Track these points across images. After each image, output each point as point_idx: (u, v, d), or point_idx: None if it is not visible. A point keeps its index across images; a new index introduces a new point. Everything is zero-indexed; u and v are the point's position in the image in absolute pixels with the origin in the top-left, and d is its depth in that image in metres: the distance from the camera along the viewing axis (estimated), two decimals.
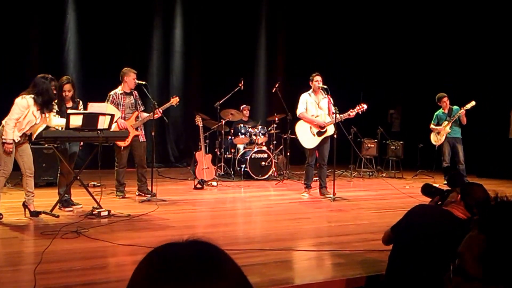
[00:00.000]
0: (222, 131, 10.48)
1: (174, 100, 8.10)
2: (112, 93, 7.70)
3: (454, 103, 10.08)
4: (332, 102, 8.14)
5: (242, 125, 10.79)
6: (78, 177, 6.40)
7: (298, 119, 8.32)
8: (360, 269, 4.03)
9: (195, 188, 8.91)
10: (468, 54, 11.98)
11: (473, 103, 9.69)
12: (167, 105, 8.00)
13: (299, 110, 8.24)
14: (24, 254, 4.36)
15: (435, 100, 10.17)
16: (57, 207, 6.27)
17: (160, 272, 0.81)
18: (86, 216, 6.00)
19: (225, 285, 0.80)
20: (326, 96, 8.21)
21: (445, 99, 10.06)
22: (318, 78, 8.12)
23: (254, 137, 10.65)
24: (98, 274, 3.83)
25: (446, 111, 10.08)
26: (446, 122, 9.99)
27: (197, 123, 9.95)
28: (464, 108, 9.74)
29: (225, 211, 7.22)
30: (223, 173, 10.58)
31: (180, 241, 0.88)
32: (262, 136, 10.73)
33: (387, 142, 12.09)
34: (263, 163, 10.37)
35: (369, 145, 11.89)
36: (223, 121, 10.42)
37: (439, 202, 3.42)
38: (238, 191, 9.06)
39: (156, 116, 7.66)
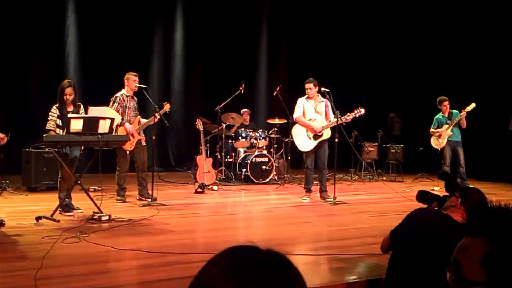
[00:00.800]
0: (223, 135, 10.49)
1: (166, 107, 8.09)
2: (118, 94, 7.72)
3: (454, 105, 10.06)
4: (330, 106, 8.15)
5: (242, 129, 10.80)
6: (79, 182, 6.41)
7: (295, 123, 8.34)
8: (361, 273, 4.03)
9: (196, 192, 8.92)
10: (467, 56, 11.98)
11: (473, 105, 9.68)
12: (161, 111, 7.93)
13: (296, 114, 8.26)
14: (24, 259, 4.36)
15: (436, 103, 10.17)
16: (58, 211, 6.27)
17: (242, 272, 0.83)
18: (87, 221, 6.00)
19: None
20: (324, 100, 8.22)
21: (446, 102, 10.05)
22: (308, 85, 8.12)
23: (254, 141, 10.66)
24: (99, 279, 3.83)
25: (446, 115, 10.07)
26: (446, 126, 9.98)
27: (197, 127, 9.95)
28: (465, 110, 9.73)
29: (225, 215, 7.23)
30: (223, 177, 10.59)
31: (257, 247, 0.91)
32: (263, 140, 10.74)
33: (388, 145, 12.10)
34: (263, 167, 10.38)
35: (369, 148, 11.90)
36: (224, 125, 10.43)
37: (436, 208, 3.43)
38: (238, 195, 9.07)
39: (154, 120, 7.67)
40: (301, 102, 8.25)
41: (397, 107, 13.83)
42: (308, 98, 8.19)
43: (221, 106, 10.21)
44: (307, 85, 8.13)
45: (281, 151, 11.18)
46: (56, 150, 6.41)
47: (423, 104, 12.07)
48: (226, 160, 10.73)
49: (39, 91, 10.87)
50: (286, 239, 5.43)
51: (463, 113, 9.74)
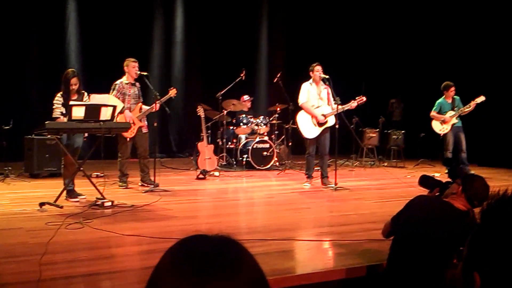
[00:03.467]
0: (224, 121, 10.51)
1: (172, 92, 8.08)
2: (118, 82, 7.73)
3: (456, 90, 10.05)
4: (332, 93, 8.15)
5: (244, 115, 10.82)
6: (81, 168, 6.44)
7: (299, 109, 8.34)
8: (361, 259, 4.07)
9: (198, 178, 8.96)
10: (468, 39, 11.93)
11: (482, 98, 9.57)
12: (166, 97, 7.97)
13: (301, 100, 8.24)
14: (28, 245, 4.39)
15: (441, 88, 10.10)
16: (62, 197, 6.31)
17: (183, 264, 0.87)
18: (90, 207, 6.05)
19: (240, 281, 0.85)
20: (326, 86, 8.21)
21: (453, 89, 9.95)
22: (319, 68, 8.12)
23: (256, 127, 10.68)
24: (103, 265, 3.88)
25: (450, 101, 10.04)
26: (452, 112, 9.93)
27: (198, 114, 9.97)
28: (474, 102, 9.68)
29: (227, 201, 7.27)
30: (225, 163, 10.62)
31: (206, 234, 0.94)
32: (264, 126, 10.75)
33: (389, 131, 12.10)
34: (265, 153, 10.41)
35: (370, 134, 11.91)
36: (225, 111, 10.43)
37: (437, 194, 3.45)
38: (240, 181, 9.10)
39: (155, 109, 7.69)
40: (305, 87, 8.22)
41: (398, 93, 13.79)
42: (314, 81, 8.16)
43: (222, 92, 10.22)
44: (317, 68, 8.09)
45: (282, 137, 11.20)
46: (59, 137, 6.44)
47: (423, 90, 12.06)
48: (227, 146, 10.76)
49: (40, 79, 10.89)
50: (287, 224, 5.47)
51: (473, 104, 9.69)
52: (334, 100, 7.99)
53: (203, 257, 0.86)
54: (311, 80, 8.20)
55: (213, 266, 0.85)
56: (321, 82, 8.21)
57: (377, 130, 12.13)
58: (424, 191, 3.66)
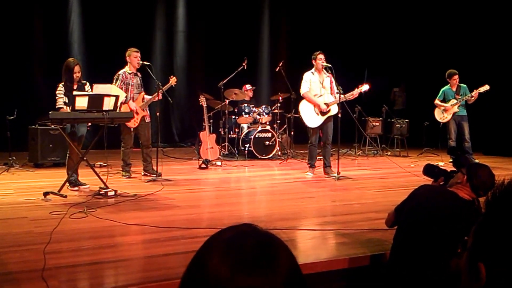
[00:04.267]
0: (226, 111, 10.50)
1: (172, 80, 8.10)
2: (121, 72, 7.73)
3: (460, 78, 10.03)
4: (335, 82, 8.12)
5: (246, 104, 10.80)
6: (85, 158, 6.46)
7: (302, 98, 8.32)
8: (364, 248, 4.08)
9: (200, 167, 8.97)
10: (471, 26, 11.89)
11: (486, 87, 9.56)
12: (167, 86, 8.00)
13: (303, 90, 8.22)
14: (33, 234, 4.41)
15: (445, 76, 10.08)
16: (66, 187, 6.34)
17: (231, 255, 0.90)
18: (94, 196, 6.07)
19: (274, 278, 0.88)
20: (329, 75, 8.19)
21: (456, 76, 9.96)
22: (321, 56, 8.09)
23: (258, 117, 10.67)
24: (106, 253, 3.90)
25: (454, 89, 10.02)
26: (454, 101, 9.92)
27: (201, 103, 9.96)
28: (477, 91, 9.67)
29: (229, 190, 7.29)
30: (227, 152, 10.63)
31: (254, 227, 0.98)
32: (266, 116, 10.74)
33: (392, 120, 12.09)
34: (267, 142, 10.41)
35: (373, 123, 11.89)
36: (227, 101, 10.43)
37: (442, 183, 3.44)
38: (242, 170, 9.12)
39: (158, 98, 7.70)
40: (307, 76, 8.20)
41: (401, 82, 13.76)
42: (316, 70, 8.13)
43: (224, 82, 10.20)
44: (320, 56, 8.06)
45: (284, 126, 11.20)
46: (62, 127, 6.45)
47: (427, 78, 12.02)
48: (230, 135, 10.77)
49: (43, 69, 10.90)
50: (289, 214, 5.48)
51: (475, 93, 9.67)
52: (337, 89, 7.98)
53: (249, 252, 0.90)
54: (313, 69, 8.18)
55: (254, 263, 0.89)
56: (324, 71, 8.18)
57: (380, 119, 12.11)
58: (428, 181, 3.66)
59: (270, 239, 0.95)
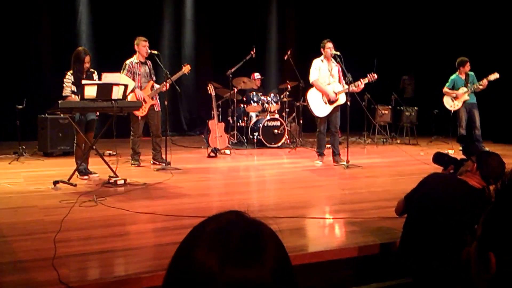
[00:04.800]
0: (235, 100, 10.49)
1: (186, 68, 8.10)
2: (128, 62, 7.73)
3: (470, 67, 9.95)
4: (343, 70, 8.06)
5: (254, 93, 10.77)
6: (94, 147, 6.48)
7: (310, 86, 8.27)
8: (374, 237, 4.07)
9: (209, 156, 8.98)
10: (482, 15, 11.76)
11: (496, 75, 9.46)
12: (179, 73, 8.02)
13: (313, 77, 8.16)
14: (43, 222, 4.44)
15: (456, 64, 9.99)
16: (76, 176, 6.37)
17: (218, 245, 0.89)
18: (103, 185, 6.10)
19: (266, 266, 0.87)
20: (337, 64, 8.12)
21: (468, 64, 9.88)
22: (330, 45, 8.03)
23: (266, 105, 10.65)
24: (117, 242, 3.92)
25: (463, 77, 9.95)
26: (464, 89, 9.85)
27: (209, 92, 9.94)
28: (487, 79, 9.58)
29: (238, 179, 7.29)
30: (236, 141, 10.63)
31: (242, 215, 0.97)
32: (275, 104, 10.71)
33: (402, 108, 12.02)
34: (276, 131, 10.39)
35: (383, 111, 11.82)
36: (236, 90, 10.41)
37: (452, 171, 3.42)
38: (251, 159, 9.12)
39: (166, 88, 7.69)
40: (317, 64, 8.14)
41: (410, 69, 13.66)
42: (325, 58, 8.09)
43: (232, 70, 10.18)
44: (329, 44, 8.00)
45: (293, 115, 11.17)
46: (71, 116, 6.47)
47: (436, 66, 11.93)
48: (238, 124, 10.75)
49: (52, 59, 10.92)
50: (299, 202, 5.47)
51: (485, 81, 9.59)
52: (346, 77, 7.93)
53: (236, 242, 0.89)
54: (322, 57, 8.13)
55: (242, 253, 0.87)
56: (332, 59, 8.13)
57: (390, 107, 12.05)
58: (438, 169, 3.64)
59: (257, 228, 0.94)
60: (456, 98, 9.95)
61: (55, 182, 6.00)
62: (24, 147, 8.57)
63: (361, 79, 7.99)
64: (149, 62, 7.92)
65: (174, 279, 0.92)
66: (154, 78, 7.99)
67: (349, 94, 7.92)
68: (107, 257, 3.60)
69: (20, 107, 8.65)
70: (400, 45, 13.71)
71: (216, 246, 0.88)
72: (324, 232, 4.41)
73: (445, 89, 10.10)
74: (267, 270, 0.87)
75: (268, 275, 0.87)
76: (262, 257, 0.88)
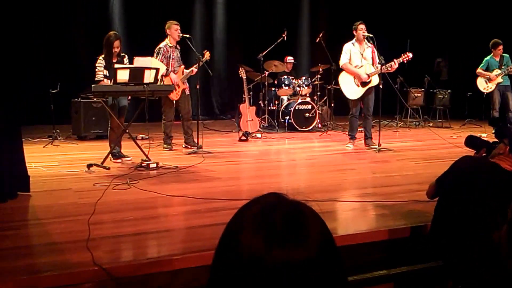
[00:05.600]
0: (266, 83, 10.46)
1: (206, 55, 8.03)
2: (162, 45, 7.76)
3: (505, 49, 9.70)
4: (377, 52, 7.95)
5: (285, 76, 10.72)
6: (127, 130, 6.56)
7: (342, 69, 8.20)
8: (405, 220, 4.04)
9: (240, 140, 9.00)
10: None
11: None
12: (203, 60, 7.90)
13: (342, 61, 8.10)
14: (77, 205, 4.52)
15: (489, 46, 9.79)
16: (109, 159, 6.47)
17: (262, 227, 0.91)
18: (136, 168, 6.17)
19: (311, 245, 0.89)
20: (370, 45, 8.03)
21: (501, 47, 9.66)
22: (362, 26, 7.93)
23: (298, 89, 10.59)
24: (149, 224, 3.97)
25: (498, 59, 9.73)
26: (498, 71, 9.64)
27: (240, 75, 9.93)
28: None
29: (269, 162, 7.29)
30: (267, 125, 10.62)
31: (283, 197, 0.98)
32: (306, 87, 10.65)
33: (435, 91, 11.81)
34: (307, 114, 10.34)
35: (415, 94, 11.65)
36: (267, 73, 10.37)
37: (485, 154, 3.36)
38: (282, 142, 9.10)
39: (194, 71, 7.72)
40: (347, 47, 8.07)
41: (444, 52, 13.39)
42: (357, 41, 7.99)
43: (263, 54, 10.14)
44: (361, 26, 7.91)
45: (325, 98, 11.09)
46: (104, 100, 6.56)
47: (471, 48, 11.66)
48: (269, 108, 10.74)
49: (86, 43, 11.04)
50: (330, 186, 5.46)
51: None
52: (379, 59, 7.82)
53: (280, 224, 0.90)
54: (354, 40, 8.04)
55: (286, 233, 0.89)
56: (365, 41, 8.02)
57: (423, 89, 11.86)
58: (470, 152, 3.57)
59: (298, 208, 0.95)
60: (489, 80, 9.75)
61: (89, 165, 6.11)
62: (58, 130, 8.74)
63: (395, 60, 7.88)
64: (178, 47, 7.95)
65: (222, 263, 0.93)
66: (181, 62, 8.02)
67: (381, 77, 7.82)
68: (140, 239, 3.65)
69: (54, 91, 8.82)
70: (434, 27, 13.43)
71: (261, 228, 0.90)
72: (355, 215, 4.39)
73: (479, 70, 9.90)
74: (313, 248, 0.88)
75: (314, 253, 0.88)
76: (306, 236, 0.89)
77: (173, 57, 7.79)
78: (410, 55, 7.93)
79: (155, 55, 7.67)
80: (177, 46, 7.91)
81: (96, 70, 6.76)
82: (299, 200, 0.97)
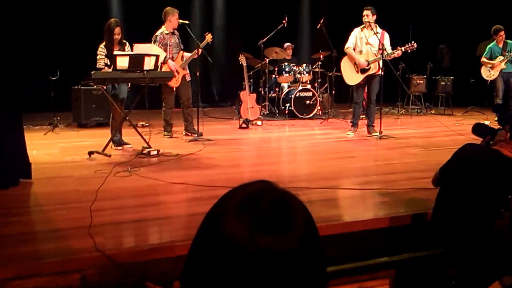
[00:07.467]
0: (266, 70, 10.42)
1: (208, 37, 8.01)
2: (158, 33, 7.72)
3: (508, 35, 9.66)
4: (388, 41, 7.86)
5: (286, 63, 10.67)
6: (127, 118, 6.55)
7: (344, 55, 8.17)
8: (406, 208, 4.03)
9: (240, 127, 8.99)
10: None
11: None
12: (204, 43, 7.88)
13: (347, 45, 8.08)
14: (79, 192, 4.52)
15: (491, 33, 9.75)
16: (110, 146, 6.46)
17: (247, 214, 0.89)
18: (137, 156, 6.16)
19: (294, 235, 0.88)
20: (380, 31, 7.91)
21: (502, 32, 9.63)
22: (366, 12, 7.87)
23: (298, 76, 10.55)
24: (150, 211, 3.97)
25: (501, 45, 9.68)
26: (501, 57, 9.61)
27: (240, 62, 9.89)
28: None
29: (270, 150, 7.29)
30: (267, 112, 10.60)
31: (271, 184, 0.97)
32: (307, 74, 10.61)
33: (437, 78, 11.77)
34: (307, 101, 10.31)
35: (417, 81, 11.60)
36: (267, 60, 10.33)
37: (489, 141, 3.34)
38: (282, 130, 9.09)
39: (197, 55, 7.69)
40: (354, 32, 8.06)
41: (447, 38, 13.31)
42: (365, 27, 7.95)
43: (264, 40, 10.09)
44: (365, 12, 7.87)
45: (325, 85, 11.05)
46: (105, 88, 6.54)
47: (474, 34, 11.60)
48: (270, 95, 10.71)
49: (85, 30, 11.00)
50: (331, 173, 5.45)
51: None
52: (384, 47, 7.71)
53: (265, 211, 0.89)
54: (363, 25, 8.00)
55: (271, 221, 0.87)
56: (376, 27, 7.90)
57: (425, 76, 11.80)
58: (475, 139, 3.56)
59: (285, 197, 0.94)
60: (492, 67, 9.71)
61: (90, 153, 6.10)
62: (58, 118, 8.73)
63: (398, 48, 7.83)
64: (176, 32, 7.90)
65: (202, 246, 0.92)
66: (182, 47, 7.98)
67: (383, 64, 7.78)
68: (142, 226, 3.65)
69: (54, 78, 8.79)
70: (437, 13, 13.35)
71: (245, 214, 0.88)
72: (356, 202, 4.39)
73: (483, 59, 9.85)
74: (296, 237, 0.87)
75: (297, 243, 0.87)
76: (291, 225, 0.88)
77: (171, 44, 7.75)
78: (415, 45, 7.86)
79: (152, 42, 7.62)
80: (175, 32, 7.86)
81: (98, 58, 6.73)
82: (287, 189, 0.96)
